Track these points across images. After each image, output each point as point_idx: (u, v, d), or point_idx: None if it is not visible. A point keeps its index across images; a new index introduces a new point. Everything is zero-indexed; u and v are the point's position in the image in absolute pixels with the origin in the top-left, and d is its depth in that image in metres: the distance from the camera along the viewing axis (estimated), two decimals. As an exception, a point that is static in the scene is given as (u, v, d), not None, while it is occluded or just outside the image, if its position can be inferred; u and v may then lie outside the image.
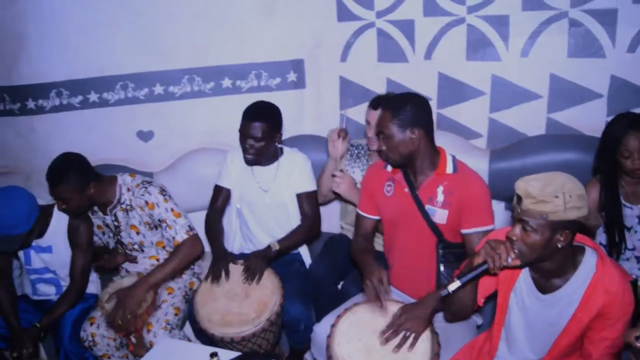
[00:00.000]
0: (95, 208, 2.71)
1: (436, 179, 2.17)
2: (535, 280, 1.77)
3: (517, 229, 1.63)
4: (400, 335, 1.92)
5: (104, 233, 2.81)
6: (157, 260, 2.78)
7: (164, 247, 2.76)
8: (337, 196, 2.88)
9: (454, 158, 2.22)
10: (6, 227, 2.41)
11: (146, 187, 2.60)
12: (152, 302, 2.57)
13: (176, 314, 2.57)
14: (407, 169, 2.24)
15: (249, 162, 2.69)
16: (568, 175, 1.60)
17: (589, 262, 1.68)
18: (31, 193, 2.57)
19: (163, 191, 2.63)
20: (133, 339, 2.60)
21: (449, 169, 2.17)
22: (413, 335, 1.92)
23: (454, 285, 1.71)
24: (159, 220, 2.60)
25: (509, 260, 1.63)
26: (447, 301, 1.93)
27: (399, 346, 1.90)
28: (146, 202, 2.58)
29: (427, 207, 2.19)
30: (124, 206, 2.64)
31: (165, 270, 2.57)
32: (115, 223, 2.70)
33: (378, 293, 2.06)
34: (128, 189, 2.63)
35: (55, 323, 2.67)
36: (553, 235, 1.58)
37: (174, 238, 2.59)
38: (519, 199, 1.61)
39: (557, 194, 1.53)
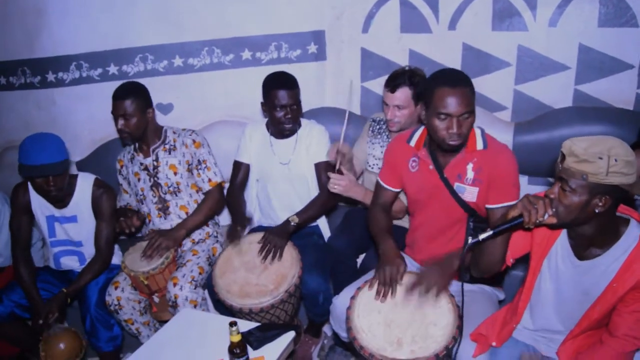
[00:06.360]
0: (136, 149, 2.82)
1: (466, 156, 2.10)
2: (573, 247, 1.72)
3: (556, 188, 1.58)
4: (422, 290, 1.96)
5: (139, 179, 2.84)
6: (187, 213, 2.85)
7: (197, 191, 2.86)
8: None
9: (482, 132, 2.13)
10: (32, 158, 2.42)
11: (193, 131, 2.83)
12: (172, 260, 2.65)
13: (200, 273, 2.62)
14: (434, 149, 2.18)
15: (291, 131, 2.73)
16: (620, 141, 1.52)
17: (633, 233, 1.62)
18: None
19: (205, 139, 2.84)
20: (156, 299, 2.65)
21: (479, 145, 2.09)
22: (435, 288, 1.94)
23: (485, 234, 1.68)
24: (200, 160, 2.78)
25: (546, 216, 1.59)
26: (476, 253, 1.89)
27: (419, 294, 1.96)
28: (193, 141, 2.77)
29: (457, 184, 2.13)
30: (167, 146, 2.79)
31: (198, 217, 2.79)
32: (155, 163, 2.78)
33: (391, 284, 2.03)
34: (174, 132, 2.83)
35: (81, 291, 2.70)
36: (591, 199, 1.52)
37: (210, 180, 2.80)
38: (563, 157, 1.55)
39: (601, 155, 1.46)
